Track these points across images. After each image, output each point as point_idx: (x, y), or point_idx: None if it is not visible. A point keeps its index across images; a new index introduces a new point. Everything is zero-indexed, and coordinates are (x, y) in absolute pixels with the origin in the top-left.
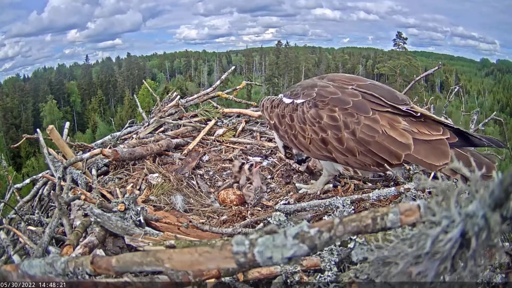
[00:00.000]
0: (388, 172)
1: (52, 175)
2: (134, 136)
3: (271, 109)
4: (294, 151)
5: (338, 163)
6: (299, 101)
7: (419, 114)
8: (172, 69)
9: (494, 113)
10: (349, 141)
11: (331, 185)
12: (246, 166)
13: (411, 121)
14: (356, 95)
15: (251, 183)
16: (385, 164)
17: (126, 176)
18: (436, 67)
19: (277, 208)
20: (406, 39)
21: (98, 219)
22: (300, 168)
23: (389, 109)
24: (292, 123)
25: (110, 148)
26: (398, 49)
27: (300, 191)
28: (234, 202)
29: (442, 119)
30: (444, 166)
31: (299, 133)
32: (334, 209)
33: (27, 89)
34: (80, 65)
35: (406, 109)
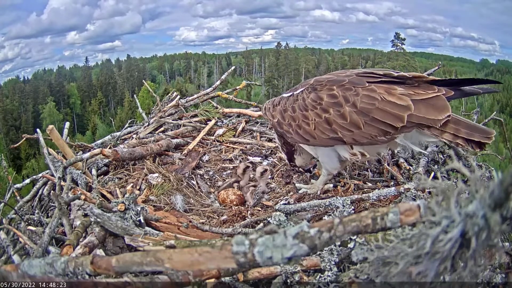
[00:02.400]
0: (396, 140)
1: (52, 175)
2: (134, 136)
3: (273, 108)
4: (297, 162)
5: (346, 145)
6: (298, 91)
7: (410, 76)
8: (171, 71)
9: (494, 113)
10: (352, 114)
11: (331, 185)
12: (259, 169)
13: (406, 87)
14: (350, 75)
15: (254, 186)
16: (389, 129)
17: (126, 176)
18: (436, 67)
19: (277, 208)
20: (404, 39)
21: (98, 219)
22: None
23: (383, 79)
24: (294, 114)
25: (110, 148)
26: (396, 50)
27: (300, 191)
28: (234, 202)
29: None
30: (447, 119)
31: (303, 121)
32: (334, 209)
33: (27, 91)
34: (80, 67)
35: (398, 75)
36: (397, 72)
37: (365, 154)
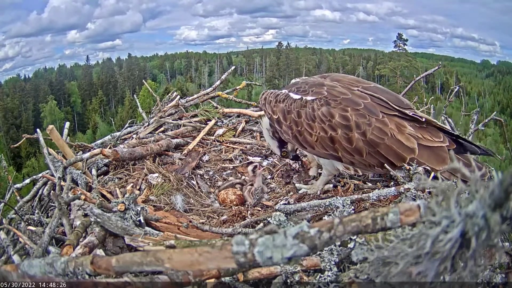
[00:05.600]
0: (392, 172)
1: (52, 175)
2: (134, 136)
3: (275, 103)
4: (289, 147)
5: (342, 162)
6: (308, 98)
7: (423, 120)
8: (172, 70)
9: (494, 113)
10: (359, 142)
11: (331, 185)
12: (249, 168)
13: (415, 126)
14: (365, 97)
15: (252, 185)
16: (388, 165)
17: (126, 176)
18: (436, 67)
19: (277, 208)
20: (406, 40)
21: (98, 219)
22: (293, 165)
23: (397, 113)
24: (299, 119)
25: (110, 148)
26: (398, 51)
27: (300, 191)
28: (234, 202)
29: (446, 126)
30: (444, 170)
31: (306, 130)
32: (334, 209)
33: (27, 89)
34: (80, 65)
35: (412, 114)
36: (410, 111)
37: (358, 171)
